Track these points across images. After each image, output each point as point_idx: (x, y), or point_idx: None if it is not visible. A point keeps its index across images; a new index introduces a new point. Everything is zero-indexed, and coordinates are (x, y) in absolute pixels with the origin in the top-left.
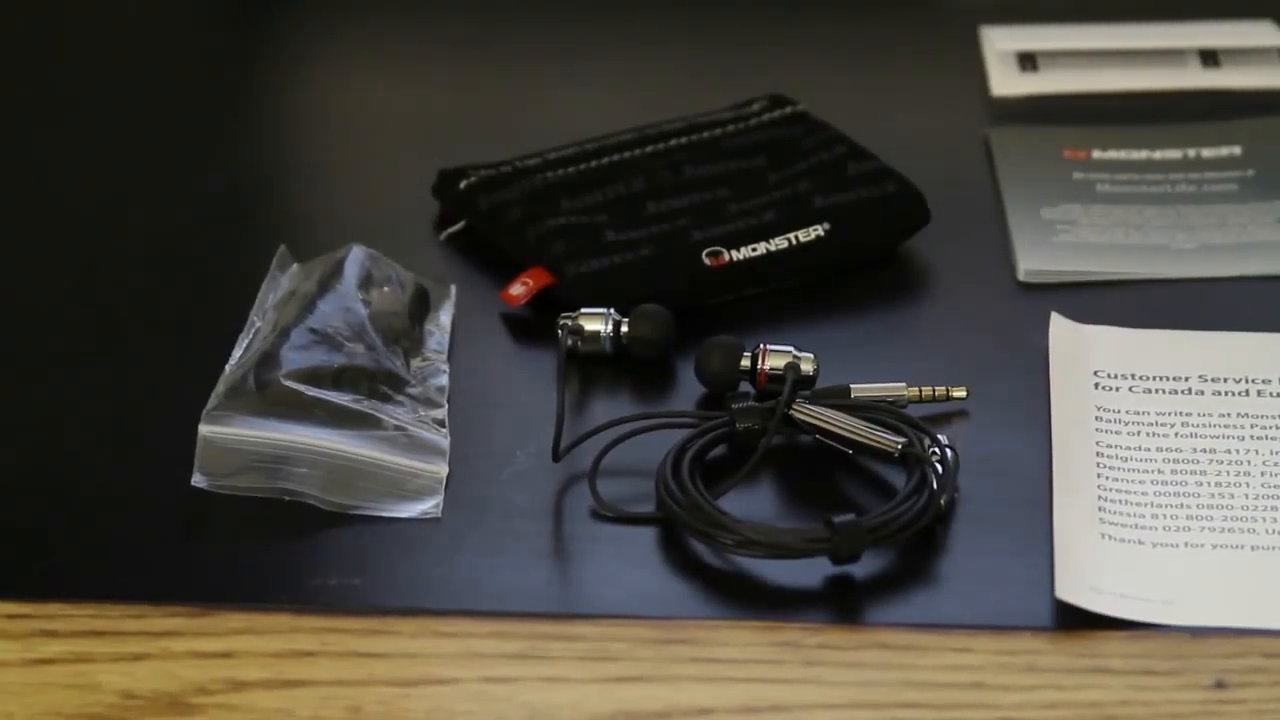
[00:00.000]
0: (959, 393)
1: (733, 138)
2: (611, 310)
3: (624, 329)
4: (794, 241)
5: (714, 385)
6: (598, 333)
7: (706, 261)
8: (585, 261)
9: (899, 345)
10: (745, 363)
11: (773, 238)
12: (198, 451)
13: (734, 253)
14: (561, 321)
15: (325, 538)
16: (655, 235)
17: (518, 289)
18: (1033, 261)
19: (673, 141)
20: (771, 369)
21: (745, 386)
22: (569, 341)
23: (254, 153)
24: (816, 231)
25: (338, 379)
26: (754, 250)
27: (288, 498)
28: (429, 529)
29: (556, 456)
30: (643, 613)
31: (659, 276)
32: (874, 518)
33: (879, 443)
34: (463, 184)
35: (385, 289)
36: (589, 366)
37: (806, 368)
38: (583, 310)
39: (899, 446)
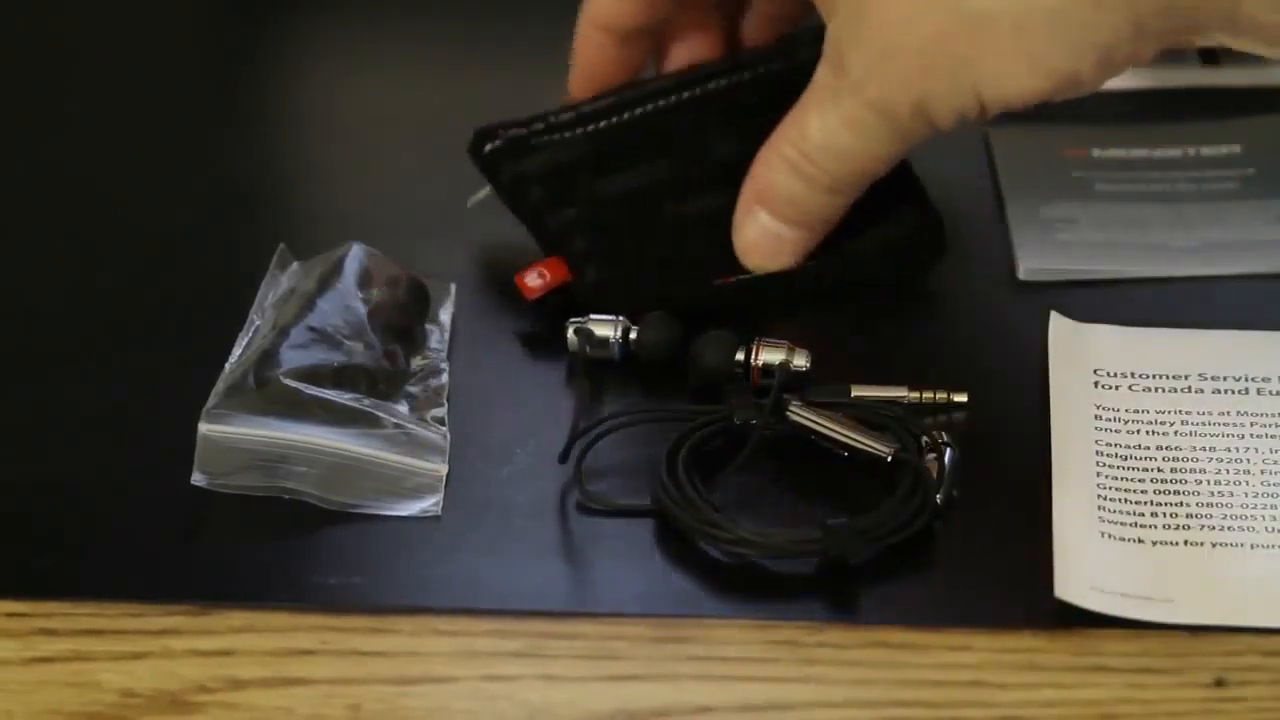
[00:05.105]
0: (960, 397)
1: (767, 98)
2: (621, 316)
3: (632, 334)
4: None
5: (708, 379)
6: (607, 338)
7: (717, 282)
8: (604, 267)
9: (899, 345)
10: (740, 356)
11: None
12: (197, 450)
13: (744, 273)
14: (572, 325)
15: (325, 536)
16: (670, 249)
17: (534, 280)
18: (1033, 260)
19: (711, 85)
20: (765, 364)
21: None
22: (578, 346)
23: (254, 153)
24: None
25: (337, 377)
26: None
27: (287, 496)
28: (429, 527)
29: (564, 458)
30: (642, 611)
31: (673, 292)
32: (866, 521)
33: (872, 449)
34: (487, 148)
35: (385, 287)
36: (596, 370)
37: (800, 362)
38: (592, 316)
39: (891, 454)
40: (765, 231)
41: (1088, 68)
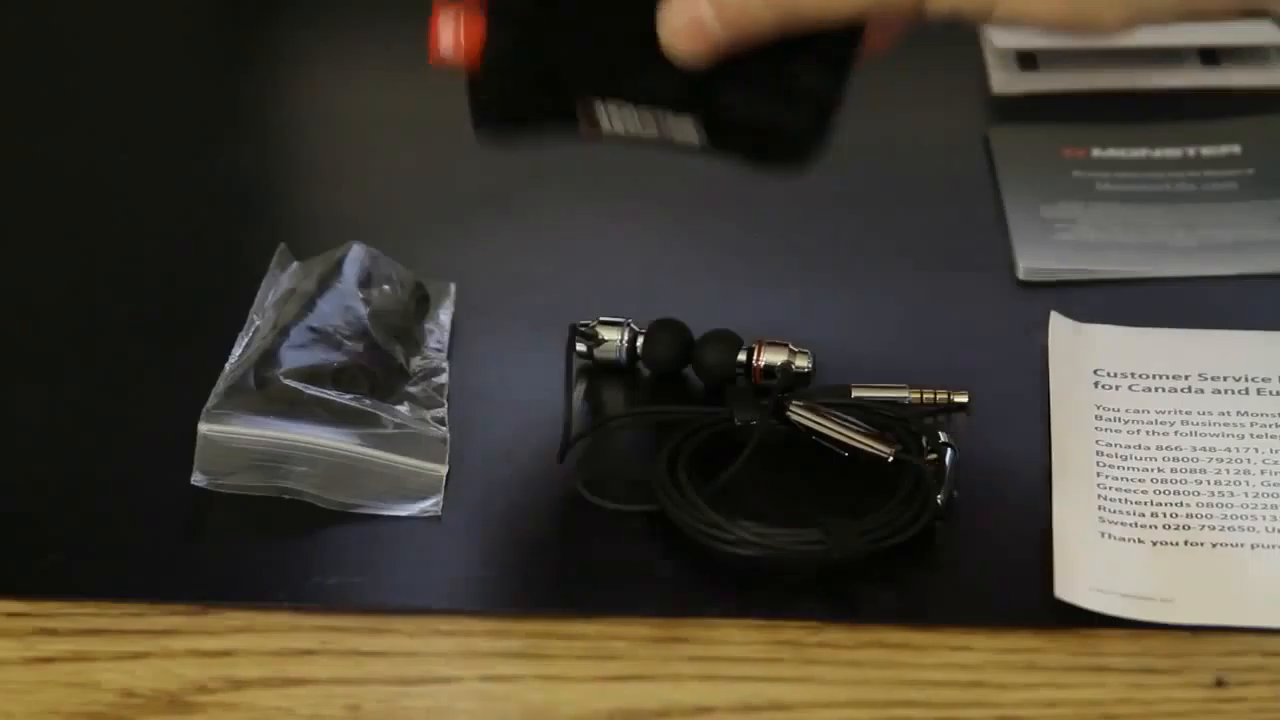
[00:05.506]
0: (961, 397)
1: None
2: (629, 321)
3: (639, 341)
4: (659, 125)
5: (710, 379)
6: (613, 342)
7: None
8: (523, 37)
9: (899, 345)
10: (742, 356)
11: (642, 106)
12: (197, 450)
13: (605, 106)
14: (575, 327)
15: (325, 536)
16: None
17: (447, 37)
18: (1032, 260)
19: None
20: (767, 365)
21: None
22: (580, 346)
23: (254, 153)
24: (685, 126)
25: (337, 377)
26: (621, 108)
27: (287, 496)
28: (429, 527)
29: (563, 458)
30: (642, 611)
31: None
32: (867, 521)
33: (873, 449)
34: None
35: (385, 287)
36: (601, 374)
37: (802, 363)
38: (598, 320)
39: (892, 454)
40: (696, 18)
41: (1116, 23)
